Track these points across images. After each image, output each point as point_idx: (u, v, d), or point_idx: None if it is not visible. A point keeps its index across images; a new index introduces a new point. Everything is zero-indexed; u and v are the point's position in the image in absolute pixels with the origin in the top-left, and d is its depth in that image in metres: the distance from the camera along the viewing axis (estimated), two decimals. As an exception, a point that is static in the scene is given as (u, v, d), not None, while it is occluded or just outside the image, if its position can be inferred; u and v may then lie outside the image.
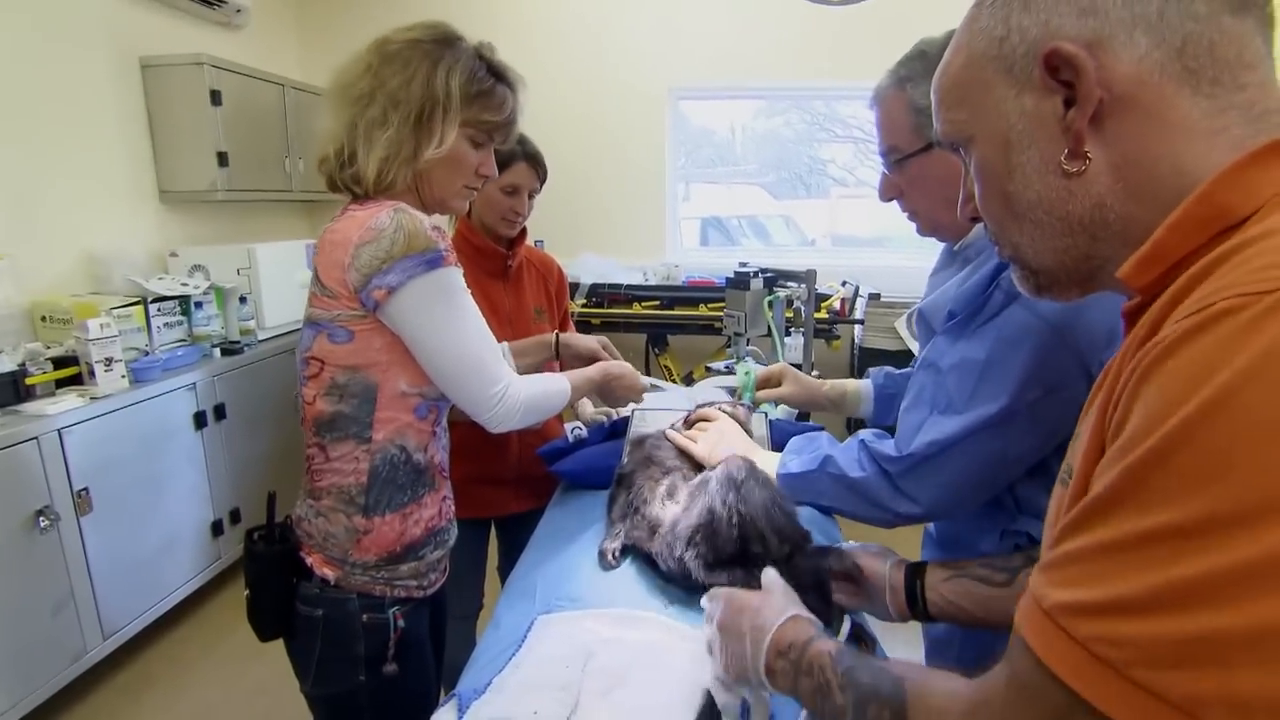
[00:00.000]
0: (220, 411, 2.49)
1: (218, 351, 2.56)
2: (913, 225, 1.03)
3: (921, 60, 0.91)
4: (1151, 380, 0.34)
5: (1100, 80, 0.43)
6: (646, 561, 1.03)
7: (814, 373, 2.56)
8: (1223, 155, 0.40)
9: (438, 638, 1.20)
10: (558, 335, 1.44)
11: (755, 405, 1.41)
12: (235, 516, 2.58)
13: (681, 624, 0.91)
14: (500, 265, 1.54)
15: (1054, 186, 0.47)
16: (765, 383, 1.43)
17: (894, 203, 1.02)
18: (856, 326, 3.32)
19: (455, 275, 0.96)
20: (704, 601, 0.77)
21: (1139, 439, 0.33)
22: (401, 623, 1.03)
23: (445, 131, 0.98)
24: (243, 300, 2.65)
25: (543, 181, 1.53)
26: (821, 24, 3.34)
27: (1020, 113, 0.47)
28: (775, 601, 0.68)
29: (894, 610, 0.84)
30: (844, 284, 3.34)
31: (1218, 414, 0.30)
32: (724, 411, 1.25)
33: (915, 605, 0.82)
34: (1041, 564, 0.38)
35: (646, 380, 1.33)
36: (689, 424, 1.26)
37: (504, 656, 0.90)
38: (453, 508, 1.12)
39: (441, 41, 0.99)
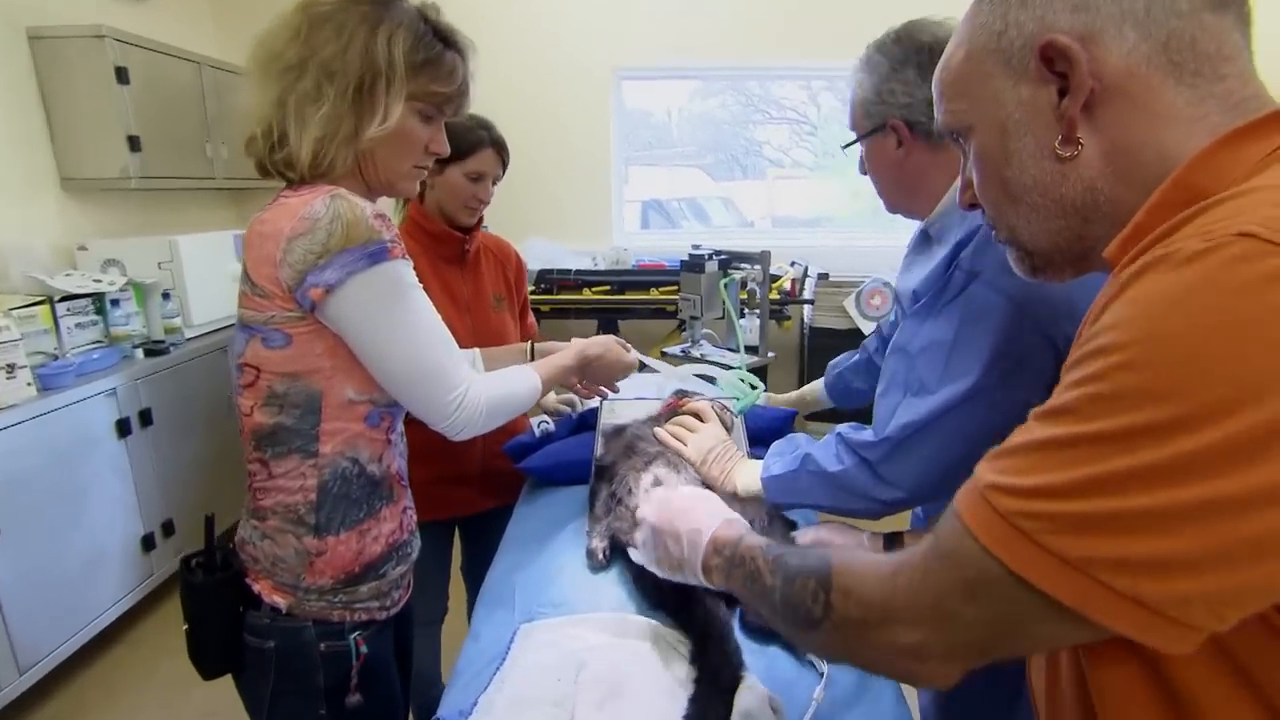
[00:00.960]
0: (146, 417, 2.30)
1: (140, 353, 2.37)
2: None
3: (880, 51, 0.96)
4: (1101, 317, 0.40)
5: (1092, 71, 0.46)
6: (624, 556, 0.98)
7: (770, 355, 2.57)
8: (1201, 141, 0.43)
9: (404, 654, 1.12)
10: (532, 345, 1.32)
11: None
12: (168, 529, 2.40)
13: (672, 629, 0.87)
14: (457, 251, 1.45)
15: (1048, 171, 0.50)
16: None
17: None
18: (806, 306, 3.34)
19: (403, 269, 0.86)
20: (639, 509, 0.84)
21: (1081, 361, 0.39)
22: (364, 648, 0.94)
23: (389, 105, 0.87)
24: (166, 296, 2.46)
25: (505, 168, 1.46)
26: (764, 4, 3.31)
27: (1017, 102, 0.50)
28: (710, 506, 0.75)
29: None
30: (793, 264, 3.35)
31: (1142, 341, 0.35)
32: (715, 411, 1.19)
33: None
34: (989, 454, 0.43)
35: (635, 354, 1.22)
36: (672, 412, 1.20)
37: (488, 671, 0.85)
38: (414, 518, 1.04)
39: (380, 2, 0.88)
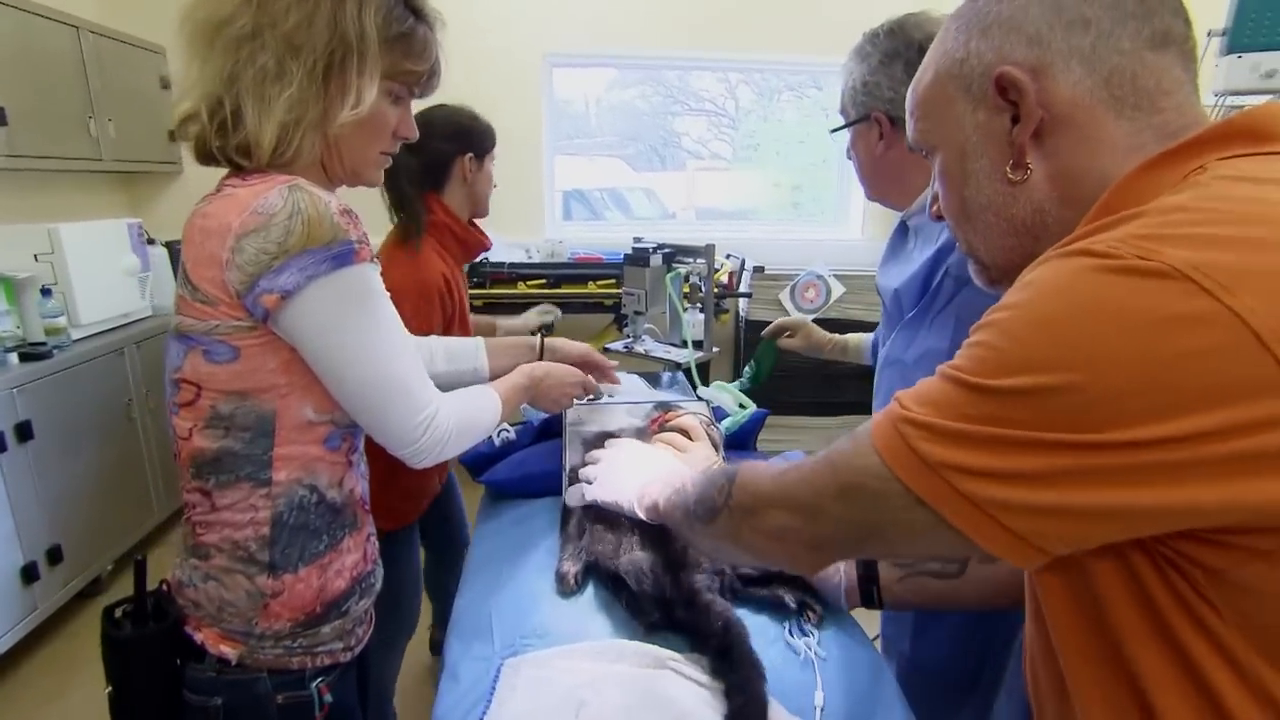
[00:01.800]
0: (25, 431, 2.02)
1: (14, 357, 2.07)
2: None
3: (871, 43, 0.96)
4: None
5: (1040, 101, 0.50)
6: (611, 582, 0.91)
7: (714, 349, 2.55)
8: (1132, 167, 0.47)
9: (364, 694, 1.01)
10: (543, 339, 1.25)
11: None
12: (54, 556, 2.12)
13: (668, 650, 0.82)
14: (473, 253, 1.48)
15: (1001, 192, 0.54)
16: (780, 331, 1.63)
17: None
18: (742, 299, 3.35)
19: (370, 274, 0.75)
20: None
21: (978, 329, 0.46)
22: (328, 697, 0.84)
23: (362, 86, 0.76)
24: (46, 293, 2.16)
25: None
26: (697, -6, 3.28)
27: (975, 126, 0.54)
28: (658, 471, 0.86)
29: (847, 603, 0.90)
30: (728, 257, 3.35)
31: (1011, 309, 0.44)
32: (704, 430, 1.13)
33: (870, 602, 0.88)
34: (908, 391, 0.48)
35: (580, 375, 1.15)
36: (659, 427, 1.14)
37: (472, 716, 0.76)
38: (377, 545, 0.93)
39: None
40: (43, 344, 2.14)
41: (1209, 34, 2.23)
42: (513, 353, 1.19)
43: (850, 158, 1.03)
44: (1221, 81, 2.23)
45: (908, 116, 0.61)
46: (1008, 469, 0.41)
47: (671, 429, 1.11)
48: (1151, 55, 0.48)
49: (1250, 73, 2.17)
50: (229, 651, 0.79)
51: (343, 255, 0.72)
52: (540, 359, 1.21)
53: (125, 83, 2.78)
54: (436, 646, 1.95)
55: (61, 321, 2.20)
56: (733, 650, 0.77)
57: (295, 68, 0.74)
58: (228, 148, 0.76)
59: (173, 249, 2.79)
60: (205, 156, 0.78)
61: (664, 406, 1.20)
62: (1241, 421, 0.36)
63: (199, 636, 0.80)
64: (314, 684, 0.82)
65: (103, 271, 2.37)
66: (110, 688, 0.80)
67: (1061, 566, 0.49)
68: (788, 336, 1.61)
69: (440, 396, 0.84)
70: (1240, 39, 2.13)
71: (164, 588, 0.83)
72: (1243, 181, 0.42)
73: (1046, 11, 0.50)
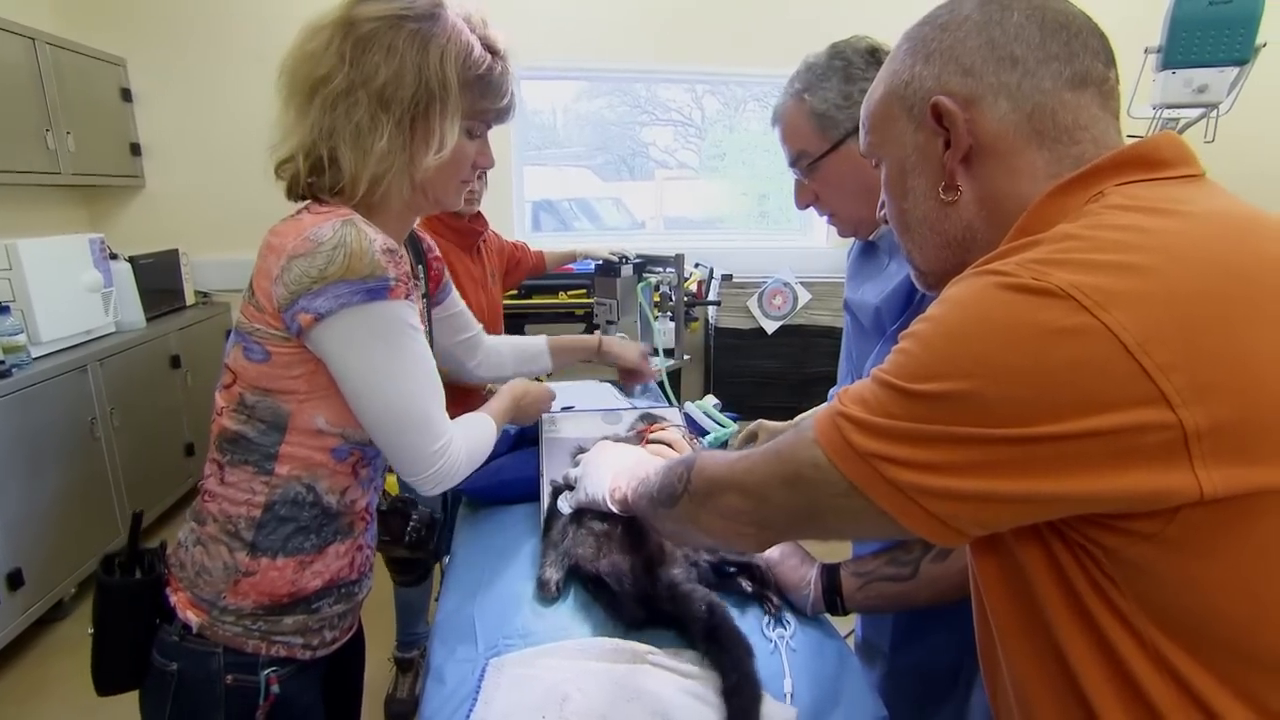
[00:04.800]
0: (-16, 451, 1.98)
1: (-28, 376, 2.04)
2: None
3: (810, 71, 0.95)
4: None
5: (970, 130, 0.55)
6: (592, 584, 0.95)
7: (685, 357, 2.60)
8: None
9: (341, 707, 1.03)
10: (601, 339, 1.40)
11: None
12: (15, 580, 2.07)
13: (646, 645, 0.86)
14: (474, 241, 1.81)
15: (935, 209, 0.59)
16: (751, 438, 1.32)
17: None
18: (711, 308, 3.41)
19: (402, 311, 0.80)
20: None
21: (904, 336, 0.51)
22: (276, 688, 0.86)
23: (445, 133, 0.82)
24: (4, 310, 2.12)
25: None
26: (661, 8, 3.34)
27: (914, 146, 0.59)
28: (626, 465, 0.94)
29: (812, 611, 0.95)
30: (697, 266, 3.41)
31: (929, 321, 0.49)
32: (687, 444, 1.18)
33: (834, 610, 0.94)
34: (847, 390, 0.53)
35: (553, 392, 1.25)
36: (644, 442, 1.17)
37: (459, 715, 0.79)
38: (370, 559, 0.96)
39: (427, 16, 0.81)
40: (1, 363, 2.11)
41: (1145, 50, 2.36)
42: (574, 352, 1.38)
43: (802, 206, 1.00)
44: (1159, 95, 2.37)
45: (861, 126, 0.65)
46: (926, 460, 0.47)
47: (655, 441, 1.15)
48: (1070, 94, 0.54)
49: (1184, 87, 2.31)
50: (193, 618, 0.84)
51: (377, 290, 0.77)
52: (599, 354, 1.42)
53: (85, 95, 2.74)
54: (404, 664, 1.96)
55: (20, 339, 2.16)
56: (720, 630, 0.81)
57: (386, 120, 0.80)
58: (317, 186, 0.83)
59: (137, 264, 2.75)
60: (296, 194, 0.85)
61: (648, 419, 1.24)
62: (1113, 425, 0.41)
63: (174, 598, 0.85)
64: (265, 672, 0.85)
65: (63, 288, 2.34)
66: (92, 630, 0.86)
67: (994, 553, 0.55)
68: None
69: (454, 427, 0.89)
70: (1174, 56, 2.26)
71: (162, 546, 0.89)
72: (1129, 210, 0.48)
73: (981, 46, 0.55)
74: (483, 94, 0.86)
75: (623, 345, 1.46)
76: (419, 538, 1.07)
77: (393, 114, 0.80)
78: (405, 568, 1.13)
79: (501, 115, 0.91)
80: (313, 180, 0.83)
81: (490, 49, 0.87)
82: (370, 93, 0.80)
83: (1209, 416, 0.41)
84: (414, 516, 1.09)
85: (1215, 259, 0.44)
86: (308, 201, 0.85)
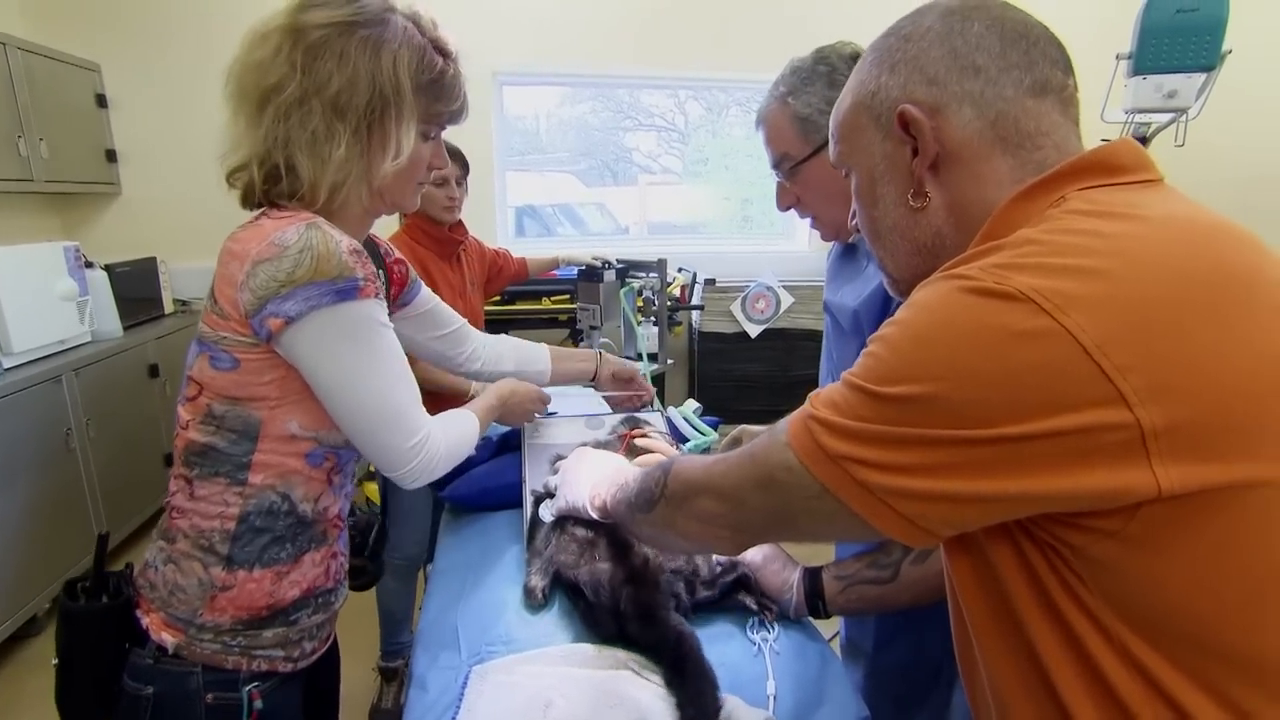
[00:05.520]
0: (-46, 464, 1.95)
1: (-58, 387, 2.00)
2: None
3: (795, 75, 0.96)
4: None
5: (936, 138, 0.56)
6: (571, 591, 0.95)
7: (669, 361, 2.61)
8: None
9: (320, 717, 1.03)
10: (601, 353, 1.41)
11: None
12: (-13, 596, 2.04)
13: (626, 652, 0.86)
14: (453, 250, 1.83)
15: (904, 216, 0.60)
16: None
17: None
18: (695, 312, 3.43)
19: (372, 309, 0.80)
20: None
21: (872, 340, 0.52)
22: (259, 704, 0.85)
23: (401, 138, 0.83)
24: (-25, 320, 2.09)
25: (466, 170, 1.82)
26: (643, 14, 3.36)
27: (883, 155, 0.60)
28: (606, 472, 0.94)
29: (795, 615, 0.96)
30: (680, 270, 3.43)
31: (897, 325, 0.50)
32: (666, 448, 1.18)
33: (816, 613, 0.96)
34: (819, 393, 0.54)
35: (542, 393, 1.25)
36: (627, 445, 1.18)
37: (442, 723, 0.79)
38: (345, 565, 0.96)
39: (377, 21, 0.81)
40: (-27, 374, 2.07)
41: (1117, 57, 2.41)
42: (574, 364, 1.39)
43: (784, 208, 1.01)
44: (1130, 100, 2.42)
45: (830, 135, 0.66)
46: (895, 462, 0.47)
47: (639, 448, 1.16)
48: (1032, 101, 0.55)
49: (1154, 92, 2.36)
50: (170, 639, 0.82)
51: (346, 290, 0.77)
52: (596, 375, 1.41)
53: (58, 101, 2.71)
54: (388, 674, 1.95)
55: (-7, 350, 2.13)
56: (685, 663, 0.80)
57: (342, 128, 0.80)
58: (273, 193, 0.82)
59: (113, 272, 2.71)
60: (251, 203, 0.84)
61: (631, 422, 1.24)
62: (1074, 425, 0.43)
63: (146, 620, 0.83)
64: (246, 688, 0.84)
65: (37, 297, 2.30)
66: (56, 660, 0.83)
67: (967, 553, 0.56)
68: None
69: (432, 421, 0.89)
70: (1144, 62, 2.31)
71: (128, 569, 0.87)
72: (1088, 215, 0.49)
73: (945, 56, 0.56)
74: (436, 97, 0.86)
75: (622, 361, 1.45)
76: (356, 543, 1.05)
77: (348, 122, 0.80)
78: (349, 573, 1.11)
79: (455, 117, 0.91)
80: (269, 188, 0.83)
81: (442, 52, 0.87)
82: (324, 101, 0.79)
83: (1165, 416, 0.42)
84: (348, 522, 1.07)
85: (1171, 264, 0.45)
86: (264, 208, 0.84)
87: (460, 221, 1.85)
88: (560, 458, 1.11)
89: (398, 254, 1.13)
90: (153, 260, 3.00)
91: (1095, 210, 0.49)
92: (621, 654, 0.85)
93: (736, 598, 0.96)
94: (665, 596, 0.90)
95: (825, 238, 1.04)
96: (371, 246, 1.06)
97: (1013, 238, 0.50)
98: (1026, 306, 0.44)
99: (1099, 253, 0.46)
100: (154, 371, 2.84)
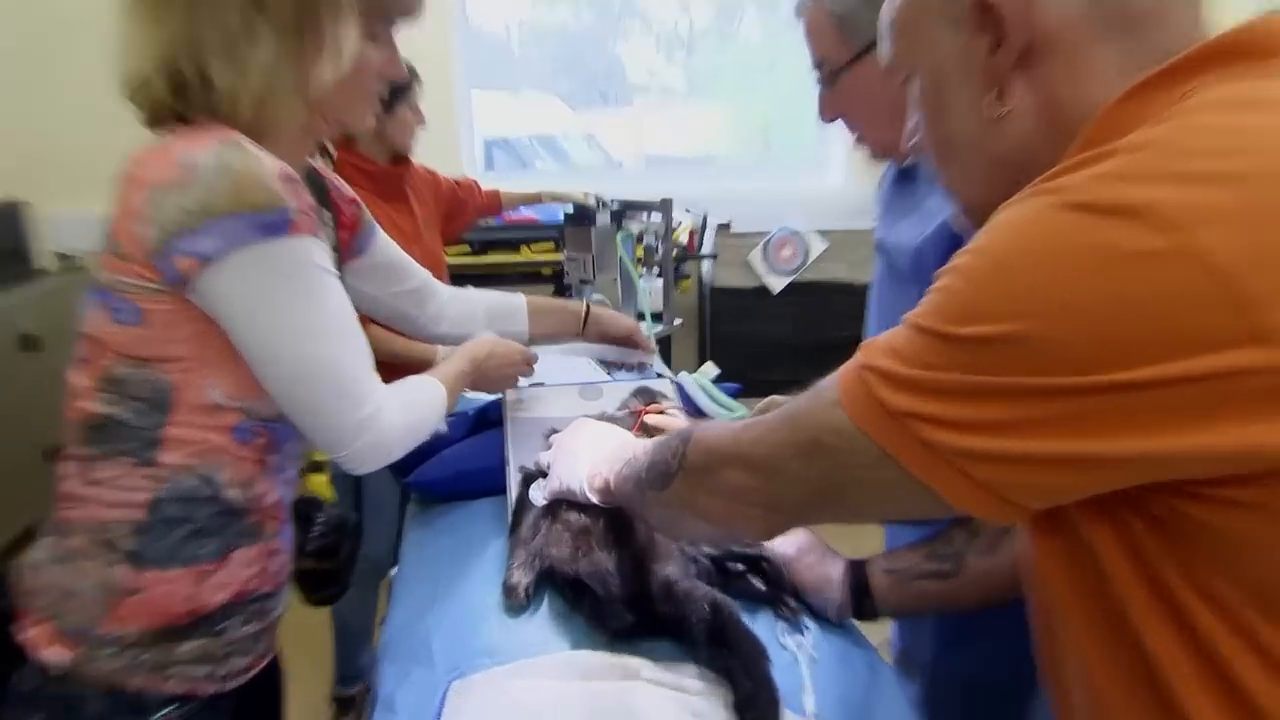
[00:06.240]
0: None
1: None
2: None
3: None
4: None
5: (1025, 25, 0.54)
6: (570, 589, 0.95)
7: (676, 321, 2.60)
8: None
9: None
10: (588, 307, 1.41)
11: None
12: None
13: (639, 658, 0.87)
14: (399, 187, 1.83)
15: (980, 127, 0.58)
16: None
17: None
18: (706, 262, 3.40)
19: (311, 247, 0.79)
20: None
21: (941, 274, 0.51)
22: None
23: (340, 34, 0.81)
24: None
25: (418, 84, 1.83)
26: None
27: (954, 51, 0.58)
28: (608, 448, 0.94)
29: (838, 617, 0.96)
30: (688, 212, 3.40)
31: (972, 254, 0.49)
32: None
33: (864, 615, 0.95)
34: (873, 341, 0.54)
35: (526, 352, 1.24)
36: (640, 424, 1.17)
37: (416, 749, 0.80)
38: (287, 566, 0.96)
39: None
40: None
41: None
42: (556, 317, 1.38)
43: (828, 119, 1.02)
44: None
45: (882, 33, 0.65)
46: (971, 417, 0.46)
47: (653, 425, 1.16)
48: None
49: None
50: (59, 656, 0.81)
51: (276, 224, 0.75)
52: (584, 328, 1.40)
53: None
54: (344, 703, 1.98)
55: None
56: (727, 631, 0.81)
57: (261, 22, 0.77)
58: (189, 110, 0.80)
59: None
60: (158, 121, 0.82)
61: (645, 395, 1.24)
62: (1199, 371, 0.41)
63: (32, 632, 0.82)
64: (158, 714, 0.84)
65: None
66: None
67: (1059, 533, 0.55)
68: None
69: (384, 391, 0.88)
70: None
71: (3, 573, 0.86)
72: (1227, 109, 0.47)
73: None
74: None
75: (614, 316, 1.46)
76: (326, 544, 1.05)
77: (269, 15, 0.78)
78: (315, 583, 1.11)
79: (408, 9, 0.89)
80: (178, 103, 0.80)
81: None
82: None
83: None
84: (319, 519, 1.07)
85: None
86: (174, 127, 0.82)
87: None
88: (556, 431, 1.11)
89: (351, 193, 1.11)
90: (14, 206, 2.84)
91: (1236, 101, 0.47)
92: (634, 662, 0.86)
93: (749, 580, 0.97)
94: (684, 565, 0.92)
95: (875, 156, 1.03)
96: (317, 182, 1.04)
97: (1124, 142, 0.48)
98: (1142, 223, 0.42)
99: (1240, 152, 0.44)
100: (28, 343, 2.65)
